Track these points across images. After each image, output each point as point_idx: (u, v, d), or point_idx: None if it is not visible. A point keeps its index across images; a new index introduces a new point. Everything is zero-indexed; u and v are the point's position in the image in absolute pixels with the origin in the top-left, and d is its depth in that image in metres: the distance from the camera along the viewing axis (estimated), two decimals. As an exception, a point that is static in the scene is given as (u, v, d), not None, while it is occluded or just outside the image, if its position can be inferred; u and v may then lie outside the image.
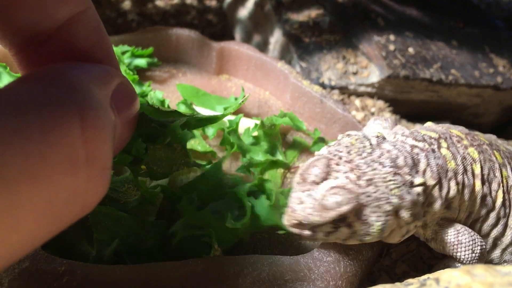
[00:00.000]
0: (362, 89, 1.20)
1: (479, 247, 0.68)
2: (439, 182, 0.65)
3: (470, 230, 0.69)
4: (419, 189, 0.61)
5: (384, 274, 0.74)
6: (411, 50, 1.26)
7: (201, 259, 0.58)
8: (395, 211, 0.59)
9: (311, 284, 0.59)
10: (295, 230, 0.60)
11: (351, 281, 0.62)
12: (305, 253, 0.63)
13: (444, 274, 0.42)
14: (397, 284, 0.51)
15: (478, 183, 0.70)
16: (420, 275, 0.68)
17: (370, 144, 0.64)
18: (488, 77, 1.30)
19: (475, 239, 0.68)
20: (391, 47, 1.24)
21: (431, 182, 0.64)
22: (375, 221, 0.57)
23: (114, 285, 0.53)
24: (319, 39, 1.26)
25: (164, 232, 0.65)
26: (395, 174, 0.60)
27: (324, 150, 0.65)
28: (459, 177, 0.68)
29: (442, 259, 0.75)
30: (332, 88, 1.18)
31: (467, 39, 1.43)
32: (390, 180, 0.59)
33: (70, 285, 0.52)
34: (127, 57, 1.03)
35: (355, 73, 1.20)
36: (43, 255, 0.53)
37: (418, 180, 0.62)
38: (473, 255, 0.68)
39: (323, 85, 1.18)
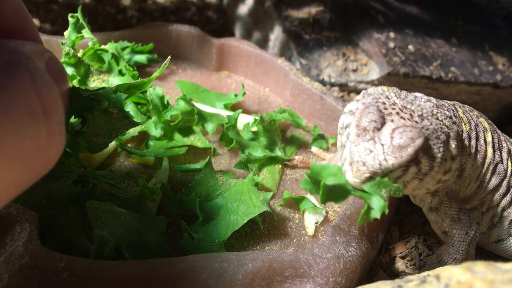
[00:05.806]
0: (362, 86, 1.20)
1: (473, 232, 0.70)
2: (458, 137, 0.66)
3: (471, 215, 0.71)
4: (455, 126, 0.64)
5: (382, 271, 0.74)
6: (411, 47, 1.26)
7: (200, 255, 0.58)
8: (448, 142, 0.60)
9: (311, 281, 0.59)
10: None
11: (351, 278, 0.62)
12: (305, 250, 0.63)
13: (445, 271, 0.42)
14: (397, 280, 0.51)
15: (490, 149, 0.72)
16: (418, 272, 0.68)
17: (399, 91, 0.66)
18: (488, 75, 1.30)
19: (472, 223, 0.70)
20: (391, 45, 1.24)
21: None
22: (437, 152, 0.58)
23: (114, 280, 0.53)
24: (319, 36, 1.26)
25: (163, 228, 0.65)
26: (438, 107, 0.64)
27: (356, 105, 0.63)
28: (472, 142, 0.70)
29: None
30: (332, 85, 1.18)
31: (467, 37, 1.42)
32: (437, 113, 0.62)
33: (70, 281, 0.52)
34: (127, 53, 1.03)
35: (355, 70, 1.20)
36: (43, 251, 0.53)
37: (456, 116, 0.66)
38: (466, 236, 0.69)
39: (323, 82, 1.18)
